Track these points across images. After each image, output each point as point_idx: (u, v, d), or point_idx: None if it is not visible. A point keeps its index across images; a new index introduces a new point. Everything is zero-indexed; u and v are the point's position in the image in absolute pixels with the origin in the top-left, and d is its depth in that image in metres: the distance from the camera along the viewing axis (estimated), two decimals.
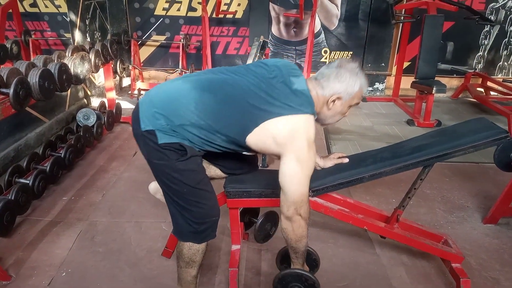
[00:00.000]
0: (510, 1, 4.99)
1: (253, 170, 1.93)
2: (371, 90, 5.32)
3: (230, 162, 1.84)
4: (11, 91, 2.22)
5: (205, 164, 1.78)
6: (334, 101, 1.52)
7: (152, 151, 1.47)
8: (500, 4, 5.00)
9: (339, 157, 1.83)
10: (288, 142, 1.39)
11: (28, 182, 2.46)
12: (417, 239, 1.87)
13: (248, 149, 1.50)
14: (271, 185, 1.80)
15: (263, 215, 2.07)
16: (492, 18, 5.01)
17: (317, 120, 1.58)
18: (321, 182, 1.77)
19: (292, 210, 1.43)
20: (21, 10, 4.29)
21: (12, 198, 2.24)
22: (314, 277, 1.56)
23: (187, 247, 1.61)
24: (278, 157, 1.46)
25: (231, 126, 1.44)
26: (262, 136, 1.42)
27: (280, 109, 1.40)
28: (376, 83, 5.29)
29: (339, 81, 1.50)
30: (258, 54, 3.10)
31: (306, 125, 1.42)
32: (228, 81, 1.48)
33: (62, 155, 2.85)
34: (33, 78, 2.39)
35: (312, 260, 1.86)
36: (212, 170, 1.88)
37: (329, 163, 1.84)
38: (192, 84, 1.47)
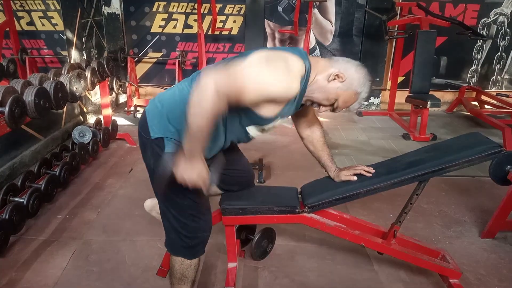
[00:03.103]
0: (501, 17, 5.08)
1: (249, 187, 1.92)
2: (367, 105, 5.36)
3: (226, 178, 1.84)
4: (6, 109, 2.22)
5: None
6: (336, 76, 1.44)
7: (159, 160, 1.46)
8: (491, 19, 5.09)
9: (351, 174, 1.76)
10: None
11: (22, 200, 2.43)
12: (414, 255, 1.86)
13: (251, 111, 1.41)
14: (267, 201, 1.80)
15: (260, 231, 2.06)
16: (484, 33, 5.08)
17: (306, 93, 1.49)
18: (317, 198, 1.77)
19: (213, 76, 1.24)
20: (18, 28, 4.32)
21: (6, 217, 2.22)
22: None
23: (179, 262, 1.60)
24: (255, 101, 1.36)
25: None
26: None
27: None
28: (371, 98, 5.33)
29: (356, 71, 1.45)
30: None
31: (281, 50, 1.40)
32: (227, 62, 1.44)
33: (57, 173, 2.83)
34: (29, 96, 2.39)
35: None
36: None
37: (339, 178, 1.79)
38: (190, 81, 1.48)
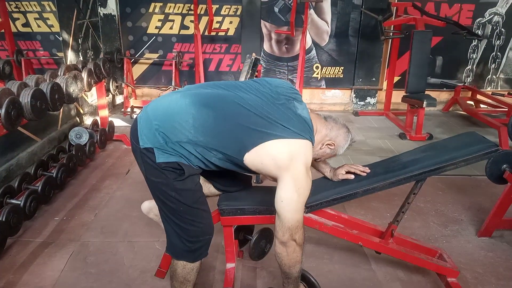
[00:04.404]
0: (496, 16, 5.11)
1: (247, 187, 1.92)
2: (363, 105, 5.37)
3: (224, 179, 1.84)
4: (2, 111, 2.21)
5: (201, 181, 1.77)
6: (329, 145, 1.63)
7: (150, 168, 1.46)
8: (486, 19, 5.12)
9: (347, 172, 1.81)
10: (287, 165, 1.38)
11: (19, 202, 2.43)
12: (412, 254, 1.87)
13: (244, 168, 1.48)
14: (265, 202, 1.80)
15: (258, 232, 2.06)
16: (479, 32, 5.12)
17: None
18: (315, 198, 1.77)
19: (287, 236, 1.42)
20: (14, 30, 4.30)
21: (3, 219, 2.21)
22: None
23: (181, 266, 1.59)
24: (273, 178, 1.46)
25: (229, 143, 1.41)
26: (261, 156, 1.41)
27: (281, 132, 1.40)
28: (367, 98, 5.35)
29: (343, 138, 1.65)
30: (250, 71, 3.12)
31: (305, 150, 1.43)
32: (229, 98, 1.46)
33: (54, 175, 2.82)
34: (25, 98, 2.39)
35: None
36: (206, 188, 1.88)
37: (336, 178, 1.83)
38: (191, 99, 1.44)
